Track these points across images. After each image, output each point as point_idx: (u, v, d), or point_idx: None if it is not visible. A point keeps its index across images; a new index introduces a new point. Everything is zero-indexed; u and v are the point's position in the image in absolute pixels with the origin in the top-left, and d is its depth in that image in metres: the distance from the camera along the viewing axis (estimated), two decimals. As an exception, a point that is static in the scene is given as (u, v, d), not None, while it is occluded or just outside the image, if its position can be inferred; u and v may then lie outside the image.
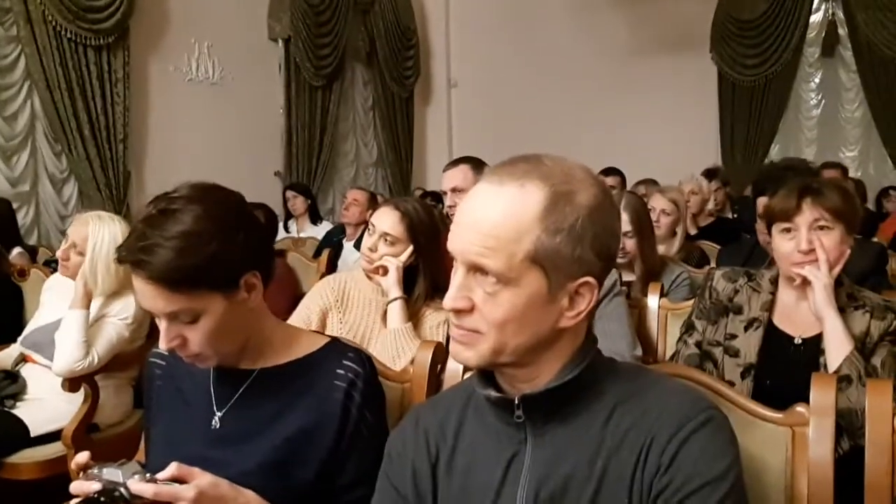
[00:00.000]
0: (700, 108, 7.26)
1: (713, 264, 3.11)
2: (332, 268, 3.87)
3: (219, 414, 1.26)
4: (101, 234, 2.47)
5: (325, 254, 4.00)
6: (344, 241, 4.77)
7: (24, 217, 4.55)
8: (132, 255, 1.12)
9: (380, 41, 7.38)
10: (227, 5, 5.81)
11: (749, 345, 1.78)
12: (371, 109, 7.61)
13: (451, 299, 0.96)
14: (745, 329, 1.80)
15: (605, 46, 7.34)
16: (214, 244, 1.13)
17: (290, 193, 5.68)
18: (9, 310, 2.97)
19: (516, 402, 0.97)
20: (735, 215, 5.20)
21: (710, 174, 5.04)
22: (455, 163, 2.70)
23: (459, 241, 0.95)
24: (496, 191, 0.94)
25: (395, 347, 2.00)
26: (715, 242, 3.67)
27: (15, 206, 4.29)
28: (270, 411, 1.24)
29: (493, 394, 1.00)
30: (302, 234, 5.30)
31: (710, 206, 4.59)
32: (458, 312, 0.96)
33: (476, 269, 0.94)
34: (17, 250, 3.75)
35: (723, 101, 7.34)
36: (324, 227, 5.43)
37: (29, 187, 4.67)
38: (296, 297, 2.80)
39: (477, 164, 2.61)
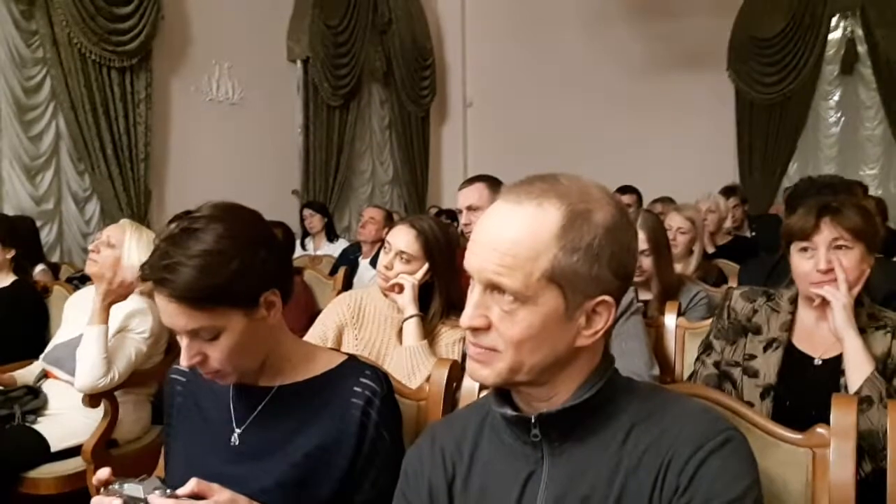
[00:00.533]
0: (717, 126, 7.24)
1: (731, 283, 3.09)
2: (347, 285, 3.88)
3: (238, 431, 1.27)
4: (137, 235, 2.58)
5: (342, 271, 4.02)
6: (360, 258, 4.79)
7: (47, 235, 4.61)
8: (155, 274, 1.13)
9: (396, 61, 7.45)
10: (247, 27, 5.89)
11: (768, 365, 1.76)
12: (387, 128, 7.67)
13: (468, 317, 0.96)
14: (765, 349, 1.79)
15: (621, 63, 7.35)
16: (235, 263, 1.14)
17: (307, 212, 5.72)
18: (33, 326, 3.00)
19: (533, 420, 0.98)
20: (753, 233, 5.17)
21: (727, 192, 5.02)
22: (470, 181, 2.71)
23: (476, 259, 0.96)
24: (513, 209, 0.95)
25: (410, 365, 2.00)
26: (733, 261, 3.65)
27: (38, 223, 4.35)
28: (289, 428, 1.25)
29: (510, 412, 1.00)
30: (318, 252, 5.33)
31: (728, 224, 4.56)
32: (474, 330, 0.96)
33: (493, 287, 0.94)
34: (40, 267, 3.79)
35: (740, 119, 7.32)
36: (340, 245, 5.45)
37: (52, 205, 4.74)
38: (312, 314, 2.81)
39: (492, 183, 2.62)
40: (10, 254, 3.09)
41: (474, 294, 0.97)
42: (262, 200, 1.26)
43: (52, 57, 4.57)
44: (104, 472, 1.10)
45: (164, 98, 5.27)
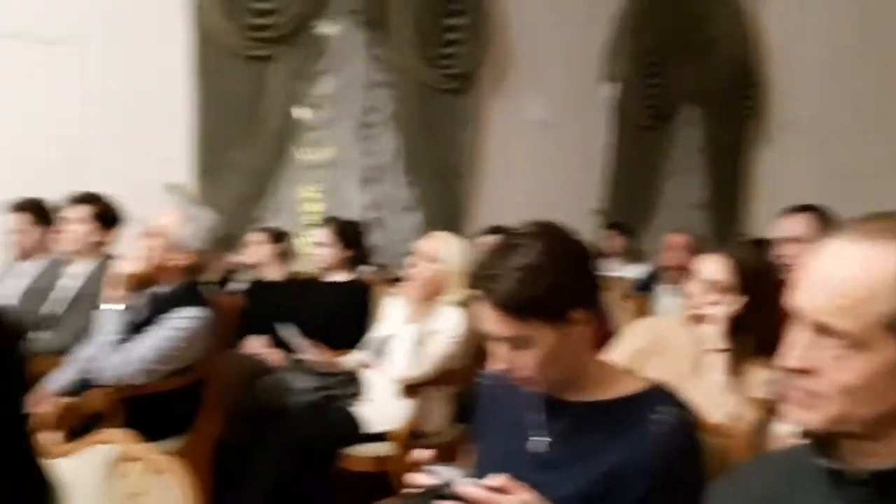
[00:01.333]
0: None
1: None
2: (646, 311, 3.81)
3: (539, 439, 1.32)
4: (456, 247, 2.82)
5: (640, 296, 3.95)
6: (660, 284, 4.67)
7: (374, 239, 5.15)
8: (479, 282, 1.24)
9: (715, 80, 7.13)
10: (565, 49, 6.05)
11: None
12: (699, 150, 7.36)
13: (791, 359, 0.90)
14: None
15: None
16: (551, 279, 1.21)
17: (608, 232, 5.72)
18: (360, 319, 3.33)
19: (862, 478, 0.89)
20: None
21: None
22: (795, 210, 2.51)
23: (805, 297, 0.90)
24: (851, 248, 0.88)
25: (712, 400, 1.91)
26: None
27: (367, 229, 4.88)
28: (589, 444, 1.27)
29: (834, 466, 0.92)
30: (617, 274, 5.29)
31: None
32: (797, 373, 0.90)
33: (822, 328, 0.88)
34: (366, 268, 4.25)
35: None
36: (639, 269, 5.37)
37: (381, 214, 5.30)
38: (607, 335, 2.81)
39: (821, 215, 2.41)
40: (348, 254, 3.52)
41: (800, 334, 0.91)
42: (560, 218, 1.31)
43: (392, 80, 5.13)
44: (426, 454, 1.22)
45: (485, 119, 5.62)
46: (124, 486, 1.15)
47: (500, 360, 1.26)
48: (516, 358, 1.25)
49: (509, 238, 1.27)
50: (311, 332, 3.11)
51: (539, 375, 1.26)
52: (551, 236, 1.26)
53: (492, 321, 1.23)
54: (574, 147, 6.28)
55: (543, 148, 6.00)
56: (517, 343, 1.24)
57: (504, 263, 1.22)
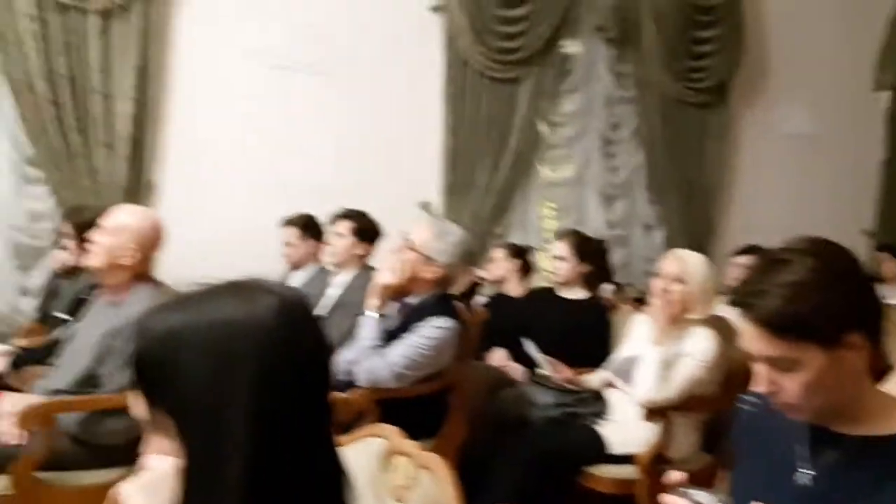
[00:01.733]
0: None
1: None
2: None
3: (806, 471, 1.21)
4: (696, 267, 2.73)
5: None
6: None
7: (616, 257, 5.06)
8: (742, 299, 1.17)
9: None
10: (830, 58, 5.58)
11: None
12: None
13: None
14: None
15: None
16: (821, 297, 1.12)
17: (881, 255, 5.15)
18: (598, 338, 3.32)
19: None
20: None
21: None
22: None
23: None
24: None
25: None
26: None
27: (608, 246, 4.80)
28: (861, 483, 1.15)
29: None
30: (893, 301, 4.73)
31: None
32: None
33: None
34: (608, 286, 4.19)
35: None
36: (916, 296, 4.75)
37: (624, 231, 5.21)
38: (884, 367, 2.51)
39: None
40: (584, 269, 3.49)
41: None
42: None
43: (637, 96, 5.05)
44: (679, 475, 1.17)
45: (736, 132, 5.35)
46: (394, 478, 1.24)
47: (763, 382, 1.18)
48: (780, 381, 1.16)
49: (777, 253, 1.18)
50: (547, 348, 3.12)
51: (804, 401, 1.17)
52: (824, 253, 1.17)
53: (754, 340, 1.16)
54: (841, 162, 5.75)
55: (804, 163, 5.57)
56: (781, 365, 1.15)
57: (770, 280, 1.14)
